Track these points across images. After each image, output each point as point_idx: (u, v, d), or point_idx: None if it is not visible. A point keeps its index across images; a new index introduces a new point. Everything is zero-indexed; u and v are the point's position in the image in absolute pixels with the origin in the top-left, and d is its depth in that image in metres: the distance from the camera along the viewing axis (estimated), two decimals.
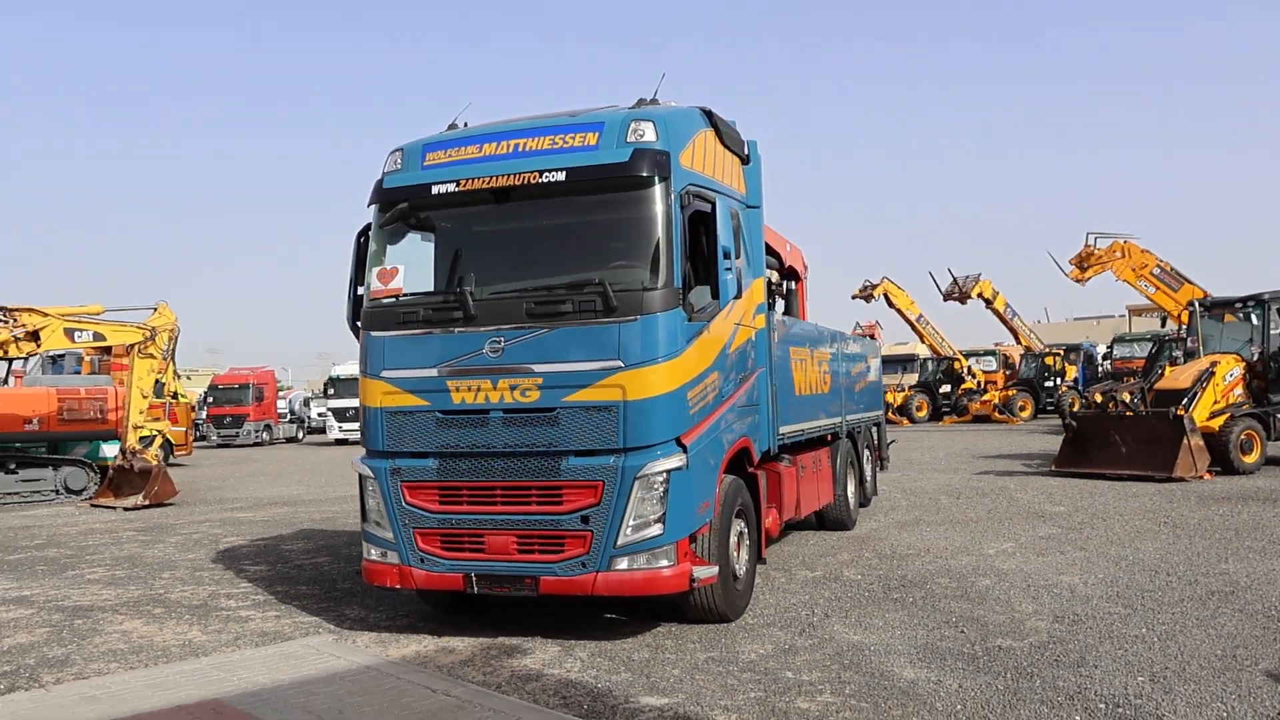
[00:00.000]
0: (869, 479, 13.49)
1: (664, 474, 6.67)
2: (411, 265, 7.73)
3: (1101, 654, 6.36)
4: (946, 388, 39.48)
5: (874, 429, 14.07)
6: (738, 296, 7.41)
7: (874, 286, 38.04)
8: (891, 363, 45.02)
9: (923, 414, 38.78)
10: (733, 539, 7.58)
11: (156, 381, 20.85)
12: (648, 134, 6.96)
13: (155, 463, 18.93)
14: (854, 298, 38.79)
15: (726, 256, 7.02)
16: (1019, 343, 38.48)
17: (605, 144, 7.00)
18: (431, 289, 7.62)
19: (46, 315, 17.82)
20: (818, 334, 11.07)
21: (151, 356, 19.21)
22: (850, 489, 12.19)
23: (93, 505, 18.76)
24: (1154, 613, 7.38)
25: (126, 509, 17.76)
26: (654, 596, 7.06)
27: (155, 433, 19.89)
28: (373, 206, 7.63)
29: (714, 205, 7.04)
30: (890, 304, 38.53)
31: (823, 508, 11.54)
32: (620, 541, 6.68)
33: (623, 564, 6.70)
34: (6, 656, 7.32)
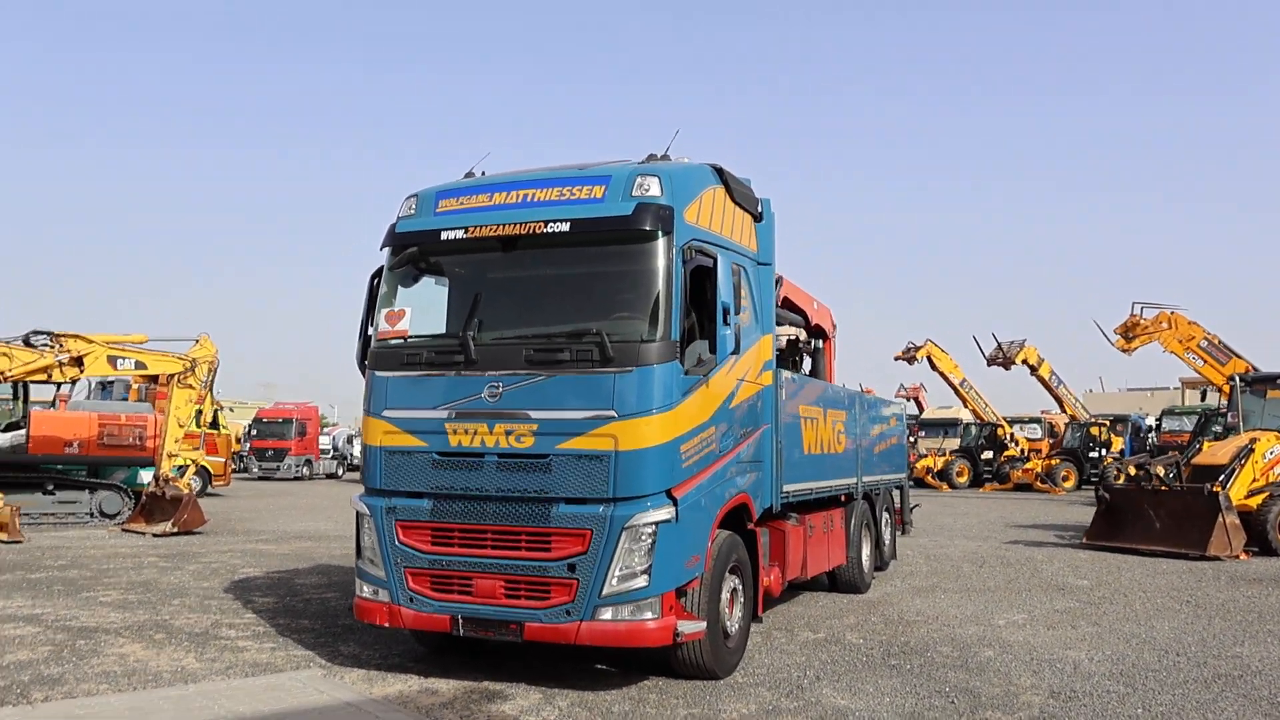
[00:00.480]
0: (887, 542, 13.33)
1: (652, 525, 6.69)
2: (425, 308, 7.91)
3: None
4: (989, 454, 38.90)
5: (895, 492, 13.92)
6: (736, 352, 7.43)
7: (917, 348, 37.76)
8: (934, 426, 44.68)
9: (963, 479, 38.18)
10: (725, 595, 7.54)
11: (198, 411, 21.37)
12: (652, 189, 7.08)
13: (187, 491, 19.29)
14: (897, 359, 38.53)
15: (726, 313, 7.08)
16: (1064, 411, 37.84)
17: (611, 197, 7.13)
18: (442, 332, 7.77)
19: (91, 342, 18.36)
20: (832, 393, 11.04)
21: (190, 387, 19.67)
22: (865, 551, 12.06)
23: (124, 530, 19.11)
24: (1155, 693, 7.20)
25: (155, 535, 18.08)
26: (642, 649, 7.05)
27: (189, 462, 20.30)
28: (385, 249, 7.83)
29: (716, 261, 7.11)
30: (934, 367, 38.20)
31: (835, 569, 11.44)
32: (605, 591, 6.69)
33: (607, 614, 6.71)
34: (4, 672, 7.47)
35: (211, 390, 20.48)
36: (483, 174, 8.22)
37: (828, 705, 6.81)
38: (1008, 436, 38.46)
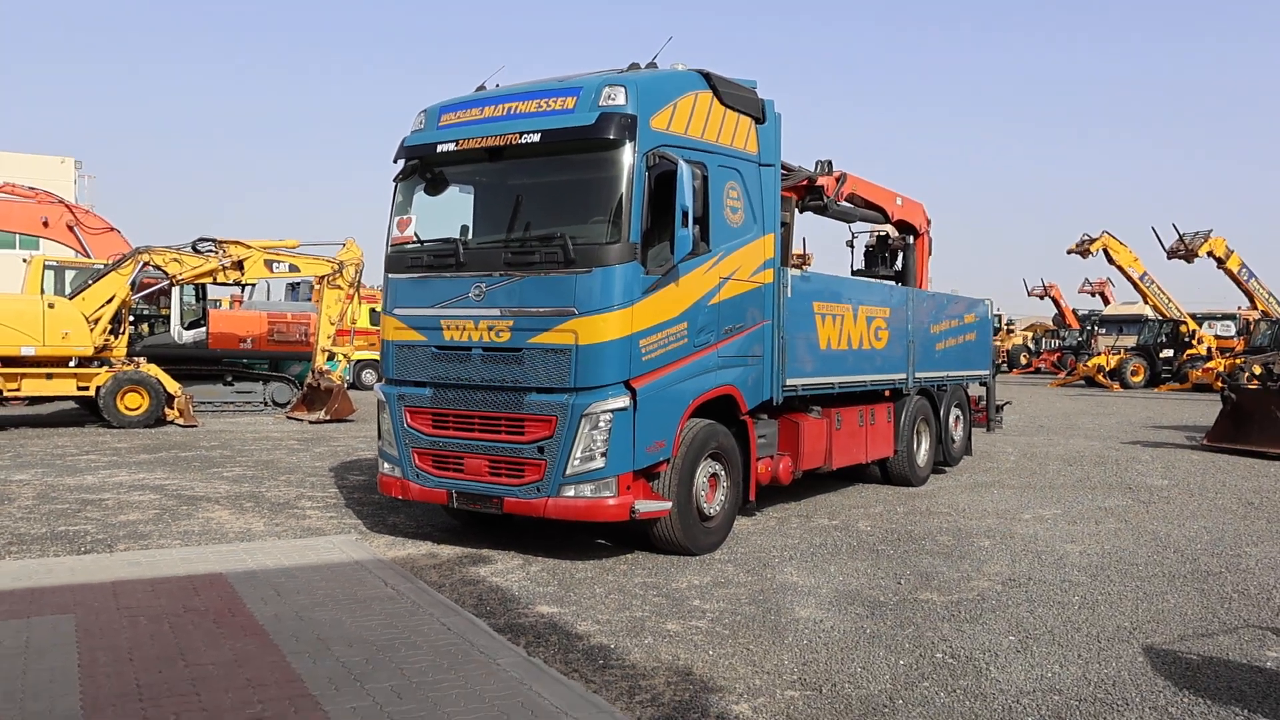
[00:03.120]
0: (957, 439, 13.42)
1: (609, 413, 7.36)
2: (442, 213, 8.73)
3: (1003, 613, 6.54)
4: (1169, 352, 36.75)
5: (963, 389, 13.86)
6: (694, 254, 7.82)
7: (1092, 241, 35.96)
8: (1114, 323, 42.42)
9: (1138, 379, 36.35)
10: (701, 479, 8.15)
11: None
12: (618, 98, 7.54)
13: (339, 383, 21.29)
14: (1069, 253, 36.85)
15: (686, 216, 7.50)
16: (1255, 307, 35.16)
17: (580, 108, 7.64)
18: (449, 235, 8.57)
19: (249, 247, 20.30)
20: (865, 290, 11.18)
21: (339, 287, 21.45)
22: (922, 446, 12.28)
23: (288, 417, 21.38)
24: (1107, 584, 7.36)
25: (310, 422, 20.18)
26: (622, 526, 7.83)
27: (342, 356, 22.30)
28: (398, 162, 8.65)
29: (676, 167, 7.50)
30: (1110, 260, 36.33)
31: (884, 462, 11.76)
32: (568, 471, 7.46)
33: (570, 491, 7.49)
34: (112, 529, 9.04)
35: (359, 289, 22.24)
36: (496, 85, 8.87)
37: (778, 582, 7.38)
38: (1190, 334, 36.14)
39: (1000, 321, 56.48)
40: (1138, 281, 36.36)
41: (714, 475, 8.35)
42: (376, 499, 10.72)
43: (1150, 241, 33.96)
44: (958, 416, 13.47)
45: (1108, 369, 36.26)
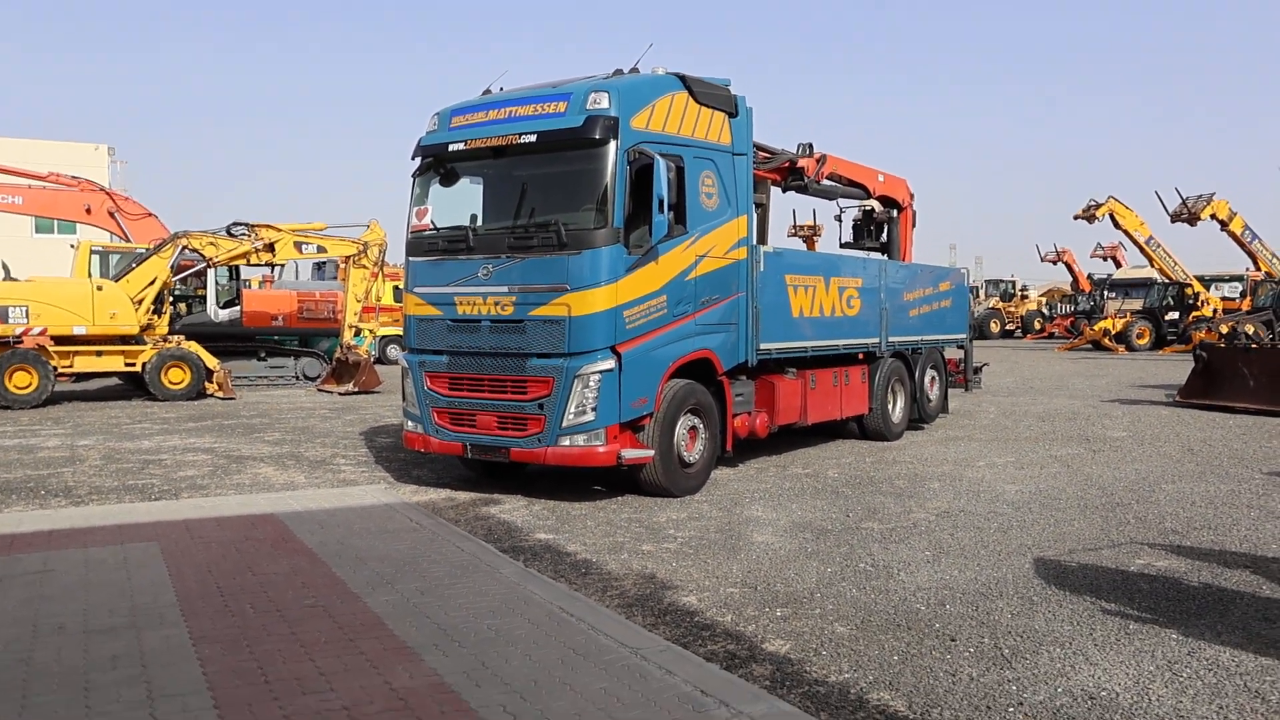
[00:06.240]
0: (933, 398, 14.65)
1: (598, 374, 8.68)
2: (455, 203, 10.04)
3: (928, 536, 7.82)
4: (1174, 315, 37.60)
5: (939, 352, 15.05)
6: (670, 237, 9.08)
7: (1098, 206, 36.70)
8: (1124, 287, 43.17)
9: (1144, 342, 37.26)
10: (681, 431, 9.45)
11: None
12: (602, 102, 8.80)
13: (365, 356, 22.72)
14: (1076, 218, 37.62)
15: (661, 203, 8.76)
16: (1259, 268, 35.92)
17: (570, 111, 8.91)
18: (462, 224, 9.88)
19: (279, 230, 21.71)
20: (833, 262, 12.39)
21: (364, 267, 22.83)
22: (896, 404, 13.52)
23: (319, 390, 22.85)
24: (1027, 516, 8.61)
25: (340, 394, 21.64)
26: (606, 470, 9.17)
27: (368, 331, 23.72)
28: (415, 159, 9.96)
29: (653, 161, 8.75)
30: (1116, 225, 37.08)
31: (860, 418, 13.03)
32: (565, 424, 8.79)
33: (566, 441, 8.82)
34: (175, 482, 10.47)
35: (382, 268, 23.62)
36: (500, 89, 10.14)
37: (744, 516, 8.69)
38: (1195, 296, 36.96)
39: (1015, 288, 57.28)
40: (1144, 245, 37.13)
41: (693, 428, 9.65)
42: (403, 456, 12.10)
43: (1157, 205, 34.51)
44: (933, 377, 14.68)
45: (1114, 332, 37.17)
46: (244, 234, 21.24)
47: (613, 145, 8.73)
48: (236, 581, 6.40)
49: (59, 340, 18.55)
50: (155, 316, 20.07)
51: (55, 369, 18.49)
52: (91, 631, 5.40)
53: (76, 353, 18.83)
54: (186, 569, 6.70)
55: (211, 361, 20.26)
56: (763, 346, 10.52)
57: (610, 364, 8.72)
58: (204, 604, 5.90)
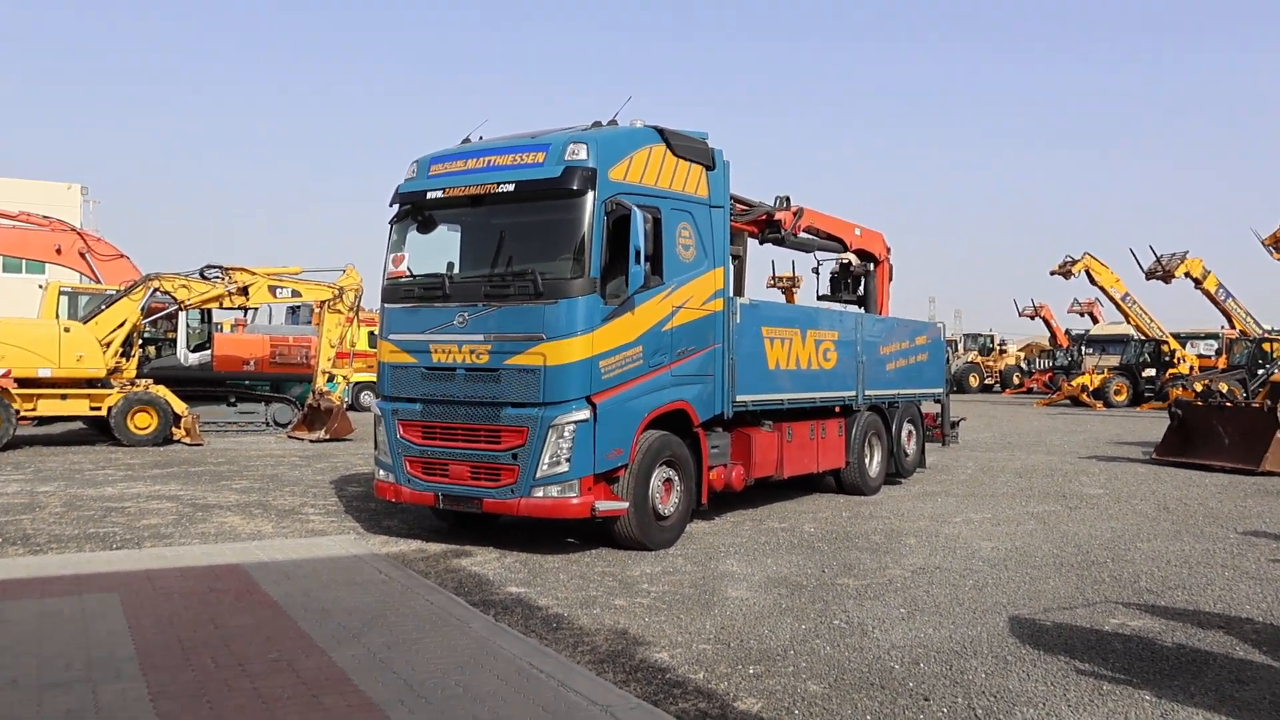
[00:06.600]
0: (910, 452, 14.72)
1: (572, 424, 8.68)
2: (432, 251, 10.09)
3: (903, 593, 7.82)
4: (1151, 371, 38.07)
5: (916, 406, 15.15)
6: (647, 287, 9.15)
7: (1074, 262, 37.34)
8: (1100, 343, 43.71)
9: (1121, 398, 37.66)
10: (656, 483, 9.44)
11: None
12: (580, 154, 8.91)
13: (338, 403, 22.60)
14: (1052, 274, 38.26)
15: (638, 254, 8.83)
16: (1233, 326, 36.50)
17: (549, 161, 9.02)
18: (439, 271, 9.92)
19: (254, 274, 21.68)
20: (812, 315, 12.50)
21: (339, 311, 22.77)
22: (873, 458, 13.57)
23: (289, 437, 22.68)
24: (1004, 570, 8.65)
25: (311, 441, 21.48)
26: (580, 523, 9.13)
27: (342, 378, 23.63)
28: (393, 206, 10.02)
29: (631, 212, 8.84)
30: (1092, 281, 37.73)
31: (837, 472, 13.06)
32: (538, 474, 8.77)
33: (539, 492, 8.80)
34: (137, 531, 10.33)
35: (358, 313, 23.59)
36: (480, 138, 10.25)
37: (718, 570, 8.67)
38: (1171, 353, 37.46)
39: (994, 342, 57.82)
40: (1119, 302, 37.74)
41: (669, 480, 9.65)
42: (373, 506, 12.01)
43: (1132, 262, 35.14)
44: (910, 431, 14.76)
45: (1091, 388, 37.56)
46: (217, 277, 21.22)
47: (590, 196, 8.82)
48: (198, 634, 6.31)
49: (22, 383, 18.35)
50: (123, 359, 19.94)
51: (17, 412, 18.27)
52: (46, 685, 5.30)
53: (40, 395, 18.63)
54: (146, 621, 6.60)
55: (179, 406, 20.09)
56: (739, 398, 10.56)
57: (585, 414, 8.73)
58: (164, 657, 5.81)
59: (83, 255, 23.99)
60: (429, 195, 9.60)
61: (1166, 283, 34.82)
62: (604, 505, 8.92)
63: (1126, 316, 38.16)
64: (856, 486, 13.22)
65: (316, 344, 24.13)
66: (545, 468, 8.75)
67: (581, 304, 8.72)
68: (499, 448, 8.99)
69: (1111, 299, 37.79)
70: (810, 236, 14.52)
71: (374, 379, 26.96)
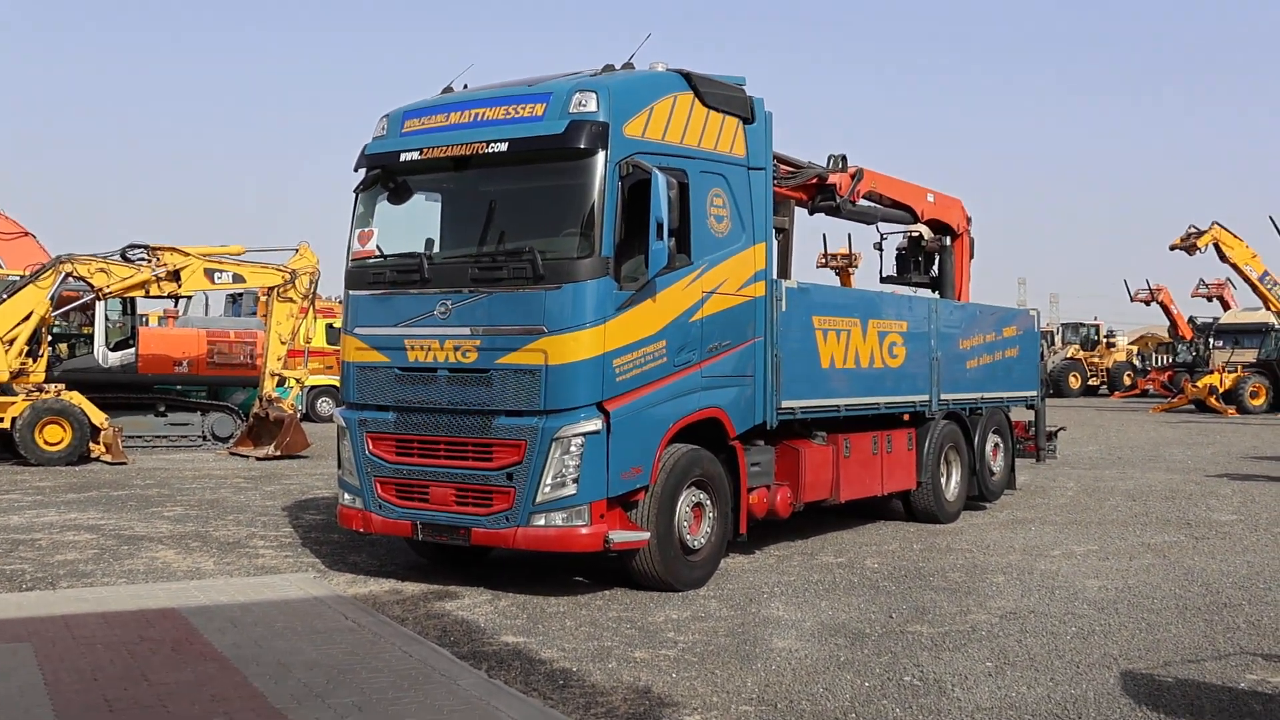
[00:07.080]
0: (997, 470, 14.75)
1: (581, 437, 8.76)
2: (407, 225, 10.20)
3: (990, 643, 7.88)
4: None
5: (1004, 413, 15.19)
6: (671, 268, 9.20)
7: (1200, 234, 37.18)
8: (1232, 334, 43.55)
9: (1259, 402, 37.54)
10: (684, 509, 9.51)
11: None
12: (589, 105, 8.97)
13: (290, 412, 22.77)
14: (1173, 248, 38.09)
15: (660, 228, 8.88)
16: None
17: (549, 115, 9.09)
18: (413, 250, 10.02)
19: (188, 255, 21.84)
20: (872, 301, 12.56)
21: (291, 300, 22.96)
22: (951, 478, 13.63)
23: (231, 453, 22.88)
24: (1113, 615, 8.69)
25: (258, 459, 21.66)
26: (590, 557, 9.23)
27: (295, 381, 23.82)
28: (359, 171, 10.12)
29: (650, 176, 8.89)
30: (1222, 258, 37.55)
31: (906, 495, 13.12)
32: (539, 499, 8.85)
33: (540, 520, 8.88)
34: (50, 568, 10.48)
35: (314, 302, 23.76)
36: (464, 87, 10.34)
37: (761, 616, 8.74)
38: None
39: (1099, 334, 57.69)
40: (1257, 282, 37.50)
41: (698, 505, 9.72)
42: (336, 537, 12.13)
43: (1269, 233, 34.90)
44: (996, 444, 14.80)
45: (1221, 390, 37.43)
46: (143, 259, 21.41)
47: (601, 157, 8.89)
48: (128, 693, 6.42)
49: None
50: (29, 360, 20.17)
51: None
52: None
53: None
54: (66, 676, 6.71)
55: (98, 417, 20.32)
56: (785, 404, 10.63)
57: (596, 424, 8.80)
58: None
59: None
60: (403, 157, 9.68)
61: None
62: (620, 536, 8.99)
63: (1266, 301, 37.92)
64: (930, 512, 13.27)
65: (264, 340, 24.36)
66: (547, 490, 8.82)
67: (590, 289, 8.79)
68: (490, 466, 9.07)
69: (1247, 279, 37.56)
70: (872, 204, 14.57)
71: (335, 383, 27.28)
